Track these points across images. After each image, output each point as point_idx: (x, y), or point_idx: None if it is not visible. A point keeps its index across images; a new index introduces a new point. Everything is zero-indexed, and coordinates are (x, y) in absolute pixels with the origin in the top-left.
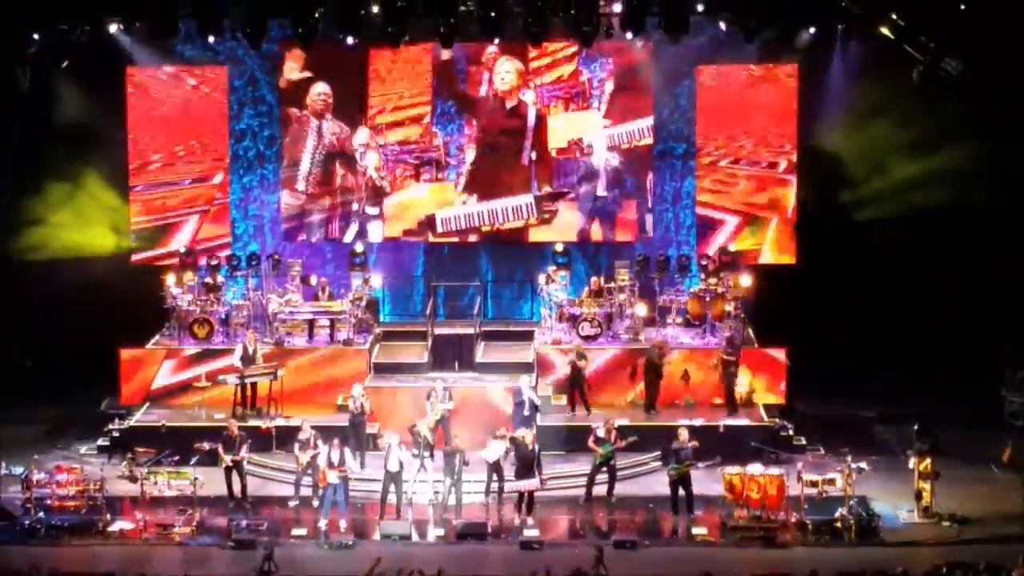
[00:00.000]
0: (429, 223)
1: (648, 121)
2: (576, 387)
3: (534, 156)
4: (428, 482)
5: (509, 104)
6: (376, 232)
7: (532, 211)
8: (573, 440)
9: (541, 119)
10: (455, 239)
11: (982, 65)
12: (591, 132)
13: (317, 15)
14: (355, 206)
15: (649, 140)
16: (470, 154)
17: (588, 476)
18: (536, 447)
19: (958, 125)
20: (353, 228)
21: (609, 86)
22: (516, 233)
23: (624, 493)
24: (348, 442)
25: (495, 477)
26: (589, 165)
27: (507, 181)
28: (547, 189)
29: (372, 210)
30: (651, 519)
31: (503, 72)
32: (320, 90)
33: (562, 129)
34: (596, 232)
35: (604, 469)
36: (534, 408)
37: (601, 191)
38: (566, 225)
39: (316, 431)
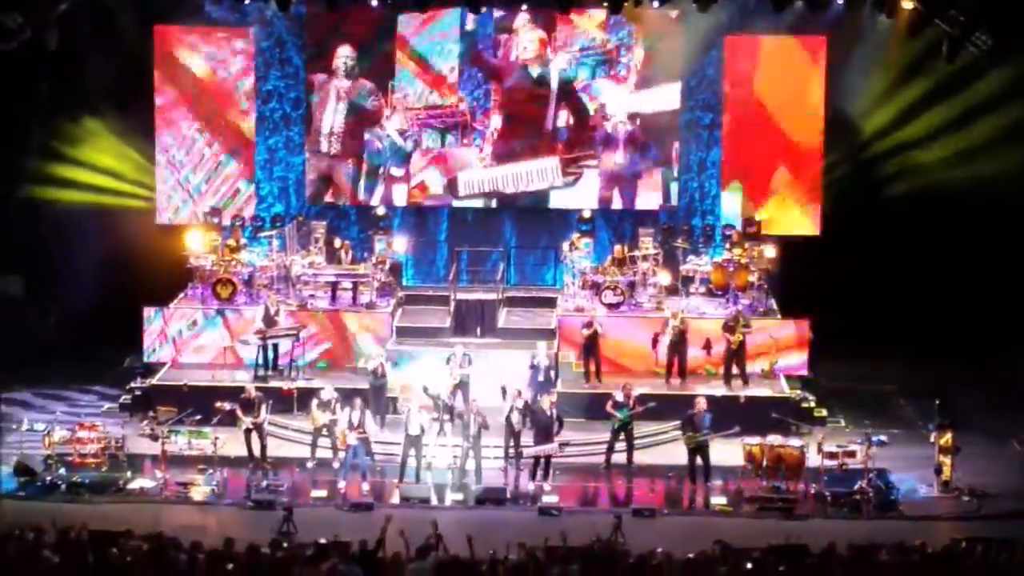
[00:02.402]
0: (451, 186)
1: (675, 87)
2: (592, 355)
3: (560, 123)
4: (448, 446)
5: (533, 71)
6: (400, 195)
7: (557, 174)
8: (593, 407)
9: (567, 86)
10: (479, 203)
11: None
12: (615, 99)
13: None
14: (380, 169)
15: (676, 105)
16: (496, 120)
17: (608, 443)
18: (554, 411)
19: (991, 98)
20: (379, 191)
21: (637, 53)
22: (538, 199)
23: (644, 462)
24: (369, 405)
25: (513, 442)
26: (607, 132)
27: (531, 147)
28: (572, 153)
29: (397, 171)
30: (670, 488)
31: (526, 40)
32: (345, 53)
33: (590, 97)
34: (616, 199)
35: (622, 436)
36: (548, 374)
37: (619, 159)
38: (588, 192)
39: (338, 395)
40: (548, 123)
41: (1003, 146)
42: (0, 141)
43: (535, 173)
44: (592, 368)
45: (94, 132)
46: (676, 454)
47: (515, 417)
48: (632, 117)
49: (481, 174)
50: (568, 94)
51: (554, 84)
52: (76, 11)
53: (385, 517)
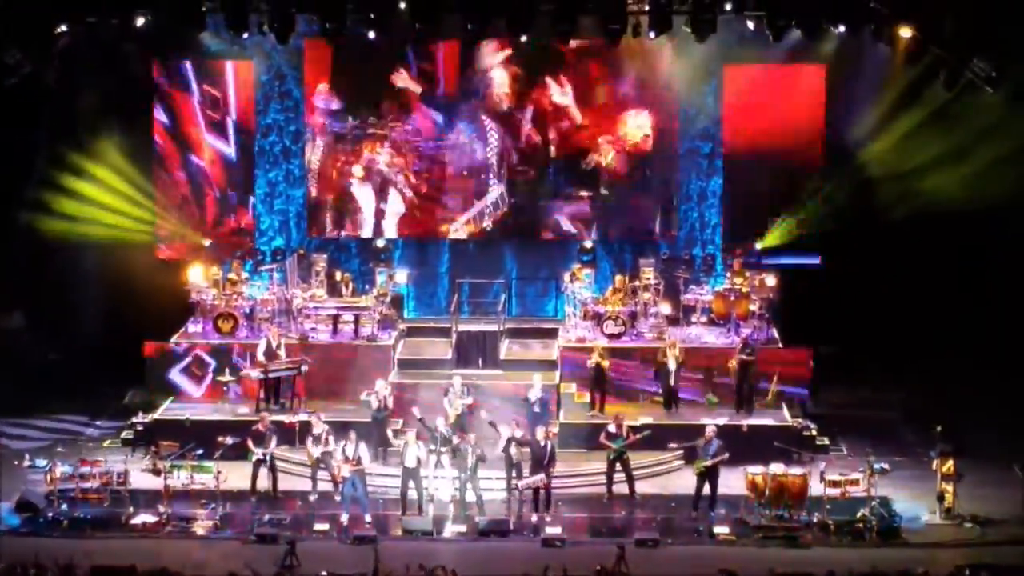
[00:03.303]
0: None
1: (672, 117)
2: (599, 386)
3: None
4: (447, 478)
5: (506, 107)
6: (391, 228)
7: (504, 201)
8: (595, 438)
9: (544, 119)
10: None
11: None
12: (607, 130)
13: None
14: (371, 205)
15: (674, 136)
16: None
17: (606, 474)
18: (549, 443)
19: (990, 122)
20: (368, 224)
21: (632, 84)
22: (534, 229)
23: (646, 491)
24: (371, 437)
25: (515, 474)
26: (588, 165)
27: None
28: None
29: (385, 206)
30: (673, 517)
31: (498, 78)
32: (322, 90)
33: (581, 131)
34: (605, 231)
35: (619, 466)
36: (544, 406)
37: (602, 191)
38: (583, 223)
39: (328, 427)
40: (513, 157)
41: (1003, 169)
42: (2, 176)
43: (490, 207)
44: (597, 398)
45: (95, 166)
46: (677, 483)
47: (512, 449)
48: (626, 148)
49: (459, 224)
50: (544, 128)
51: (528, 119)
52: (76, 46)
53: (374, 548)
